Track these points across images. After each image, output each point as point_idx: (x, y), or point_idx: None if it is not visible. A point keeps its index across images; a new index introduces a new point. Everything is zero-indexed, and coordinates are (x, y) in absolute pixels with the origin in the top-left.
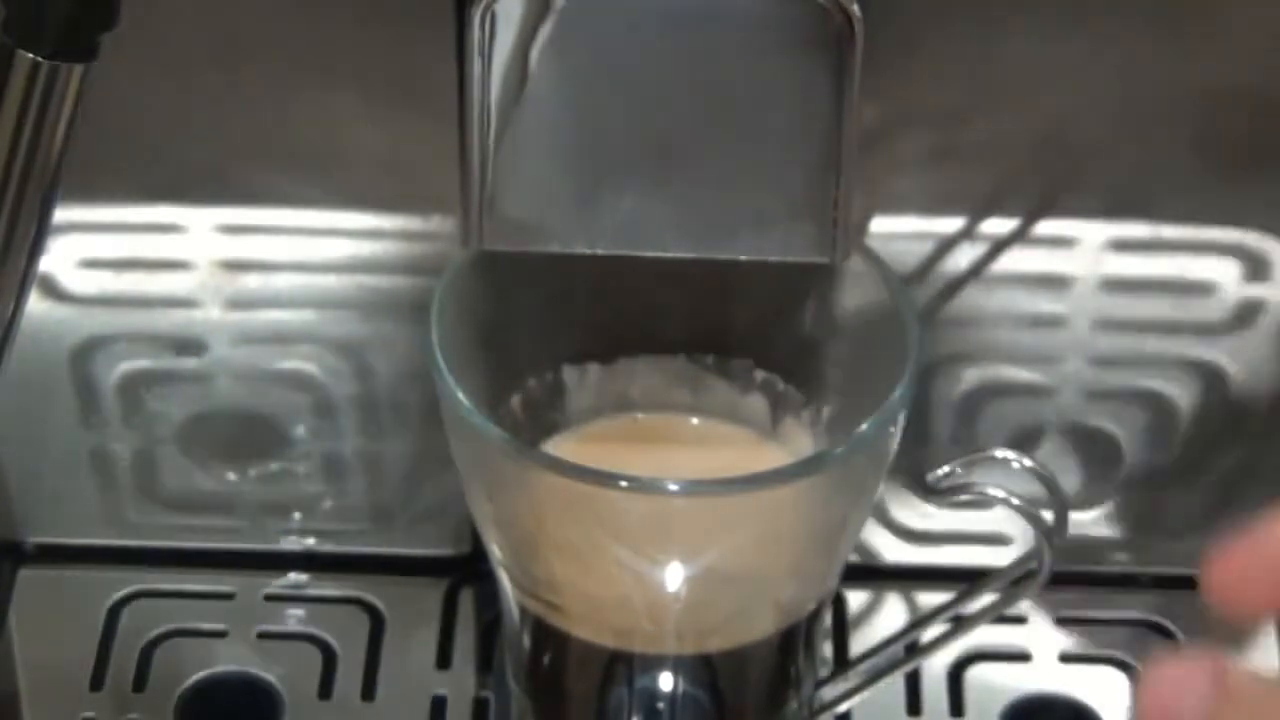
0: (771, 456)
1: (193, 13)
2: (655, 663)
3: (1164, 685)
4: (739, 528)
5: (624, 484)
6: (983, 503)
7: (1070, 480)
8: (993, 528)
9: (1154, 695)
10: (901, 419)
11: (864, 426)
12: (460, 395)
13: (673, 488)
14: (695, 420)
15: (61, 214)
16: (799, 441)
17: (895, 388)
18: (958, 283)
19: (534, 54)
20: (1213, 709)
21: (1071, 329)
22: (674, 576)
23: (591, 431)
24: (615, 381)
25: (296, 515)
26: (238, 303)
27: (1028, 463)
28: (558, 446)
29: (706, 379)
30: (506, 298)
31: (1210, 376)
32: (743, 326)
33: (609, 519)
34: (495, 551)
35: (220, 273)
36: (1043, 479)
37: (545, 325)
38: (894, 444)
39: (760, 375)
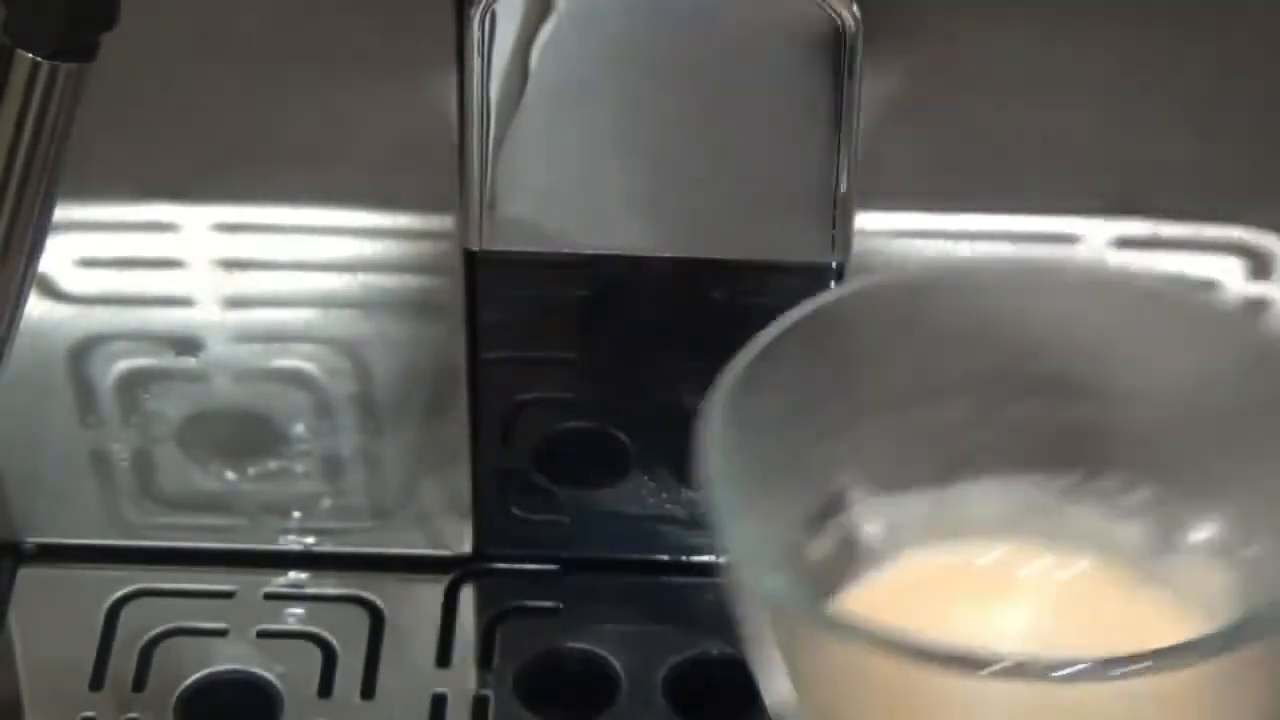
0: (1154, 604)
1: (191, 10)
2: None
3: None
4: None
5: (992, 668)
6: None
7: None
8: None
9: None
10: None
11: None
12: (741, 545)
13: (1062, 672)
14: (1049, 557)
15: (59, 213)
16: (1195, 581)
17: None
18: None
19: (534, 54)
20: None
21: None
22: None
23: (909, 575)
24: (947, 512)
25: (296, 514)
26: (236, 301)
27: None
28: (865, 594)
29: (1066, 505)
30: (803, 408)
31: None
32: (1114, 431)
33: (951, 707)
34: None
35: (218, 271)
36: None
37: (859, 442)
38: None
39: (1138, 495)
